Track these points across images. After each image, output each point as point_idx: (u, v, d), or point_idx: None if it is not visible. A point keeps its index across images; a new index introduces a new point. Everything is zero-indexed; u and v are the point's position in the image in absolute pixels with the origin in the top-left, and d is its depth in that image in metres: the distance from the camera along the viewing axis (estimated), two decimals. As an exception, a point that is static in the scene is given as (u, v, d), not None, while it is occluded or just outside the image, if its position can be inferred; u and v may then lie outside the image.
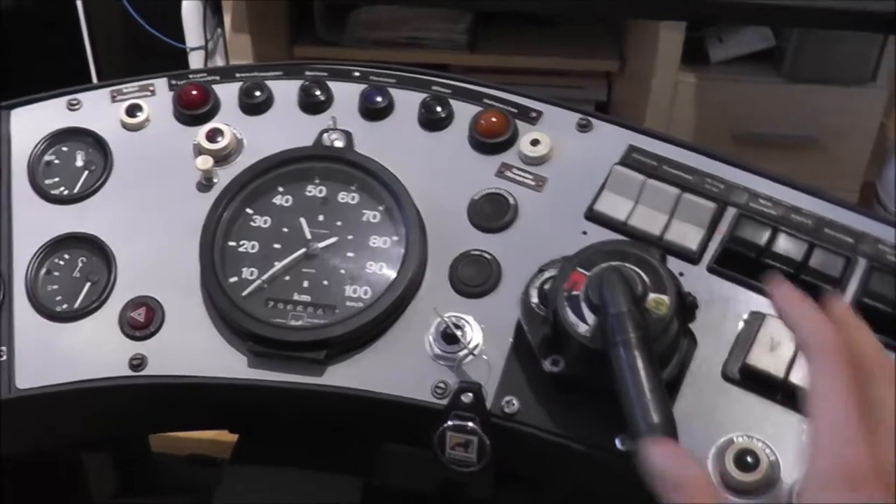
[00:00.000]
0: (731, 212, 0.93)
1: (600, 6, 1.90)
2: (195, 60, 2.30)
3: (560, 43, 2.63)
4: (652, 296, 0.78)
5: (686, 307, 0.81)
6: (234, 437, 1.07)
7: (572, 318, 0.79)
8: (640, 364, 0.73)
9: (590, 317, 0.79)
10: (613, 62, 2.60)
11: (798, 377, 0.82)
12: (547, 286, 0.85)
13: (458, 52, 2.59)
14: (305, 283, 0.94)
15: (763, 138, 2.43)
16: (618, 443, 0.79)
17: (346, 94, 1.05)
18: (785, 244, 0.90)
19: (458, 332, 0.89)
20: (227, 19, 2.27)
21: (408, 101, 1.04)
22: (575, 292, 0.80)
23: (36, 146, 1.06)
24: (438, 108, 1.02)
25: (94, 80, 2.35)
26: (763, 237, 0.90)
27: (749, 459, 0.80)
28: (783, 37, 2.41)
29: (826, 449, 0.64)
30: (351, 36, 2.56)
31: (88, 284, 0.98)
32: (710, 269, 0.91)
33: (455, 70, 2.53)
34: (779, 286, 0.74)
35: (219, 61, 2.33)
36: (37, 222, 1.02)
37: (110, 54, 2.41)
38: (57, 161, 1.06)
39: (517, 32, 2.64)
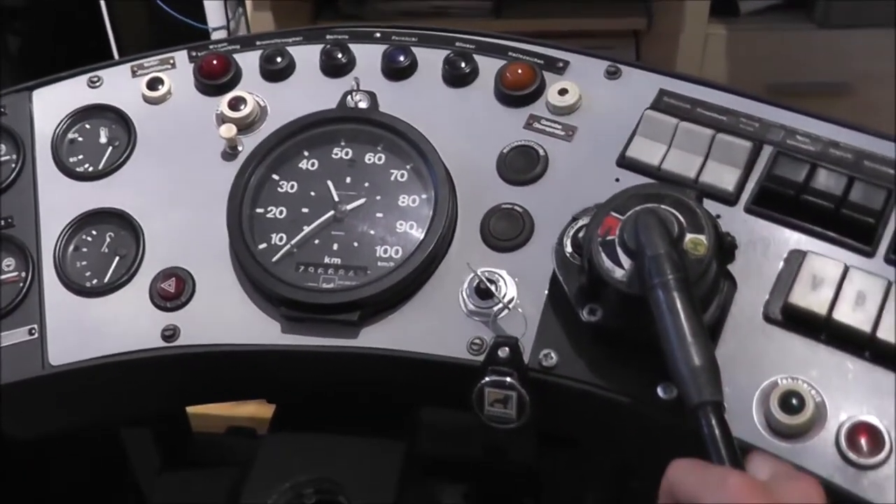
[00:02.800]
0: (767, 150, 0.90)
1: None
2: (218, 40, 2.30)
3: (585, 4, 2.59)
4: (689, 236, 0.76)
5: (725, 248, 0.79)
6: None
7: (608, 263, 0.77)
8: (679, 306, 0.71)
9: (626, 261, 0.77)
10: (641, 20, 2.55)
11: (842, 314, 0.80)
12: (581, 234, 0.83)
13: (484, 19, 2.57)
14: (335, 246, 0.93)
15: (797, 88, 2.37)
16: (659, 391, 0.78)
17: (368, 56, 1.04)
18: (824, 179, 0.87)
19: (492, 287, 0.87)
20: (248, -2, 2.26)
21: (431, 59, 1.03)
22: (610, 237, 0.78)
23: (59, 125, 1.06)
24: (462, 64, 1.01)
25: (116, 60, 2.35)
26: (801, 174, 0.87)
27: (794, 402, 0.78)
28: (814, -18, 2.36)
29: None
30: (374, 9, 2.54)
31: (117, 259, 0.98)
32: (748, 210, 0.88)
33: (481, 36, 2.50)
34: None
35: (242, 40, 2.32)
36: (63, 200, 1.02)
37: (132, 37, 2.41)
38: (80, 139, 1.06)
39: (542, -4, 2.61)
